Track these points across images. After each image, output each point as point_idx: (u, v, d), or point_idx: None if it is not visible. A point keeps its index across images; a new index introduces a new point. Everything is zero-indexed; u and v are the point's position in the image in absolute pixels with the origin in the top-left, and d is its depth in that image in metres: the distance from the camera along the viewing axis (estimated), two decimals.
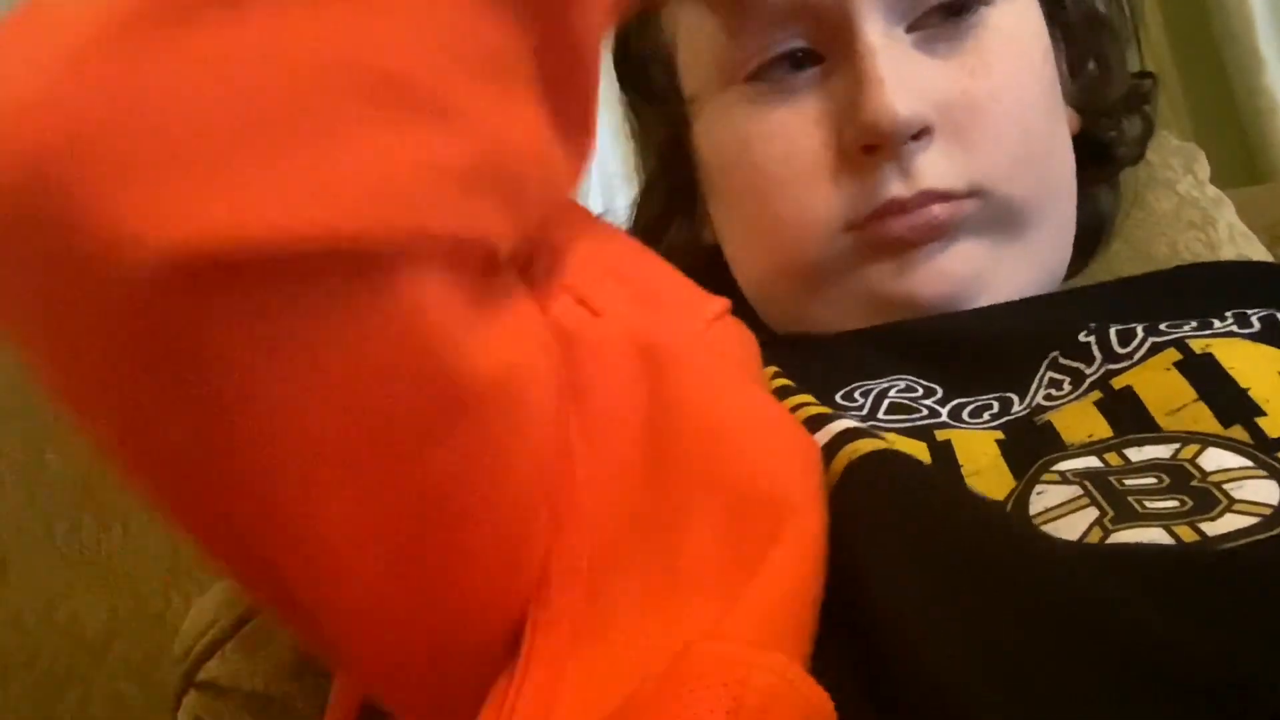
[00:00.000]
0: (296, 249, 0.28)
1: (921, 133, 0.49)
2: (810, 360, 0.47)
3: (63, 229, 0.28)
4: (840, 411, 0.43)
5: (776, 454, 0.37)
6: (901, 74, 0.48)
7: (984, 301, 0.51)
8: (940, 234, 0.50)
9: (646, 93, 0.61)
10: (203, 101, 0.28)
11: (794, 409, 0.42)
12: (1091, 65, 0.61)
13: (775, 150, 0.52)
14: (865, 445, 0.37)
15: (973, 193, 0.50)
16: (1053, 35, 0.56)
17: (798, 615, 0.32)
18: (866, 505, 0.35)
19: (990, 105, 0.51)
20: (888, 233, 0.50)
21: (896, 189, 0.49)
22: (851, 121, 0.49)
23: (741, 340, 0.46)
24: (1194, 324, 0.44)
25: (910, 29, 0.51)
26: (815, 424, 0.40)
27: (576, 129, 0.39)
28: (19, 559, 0.77)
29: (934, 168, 0.50)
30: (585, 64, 0.38)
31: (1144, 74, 0.66)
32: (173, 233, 0.27)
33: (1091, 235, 0.65)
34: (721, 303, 0.47)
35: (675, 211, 0.62)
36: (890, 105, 0.48)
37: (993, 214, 0.51)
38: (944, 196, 0.50)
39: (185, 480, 0.33)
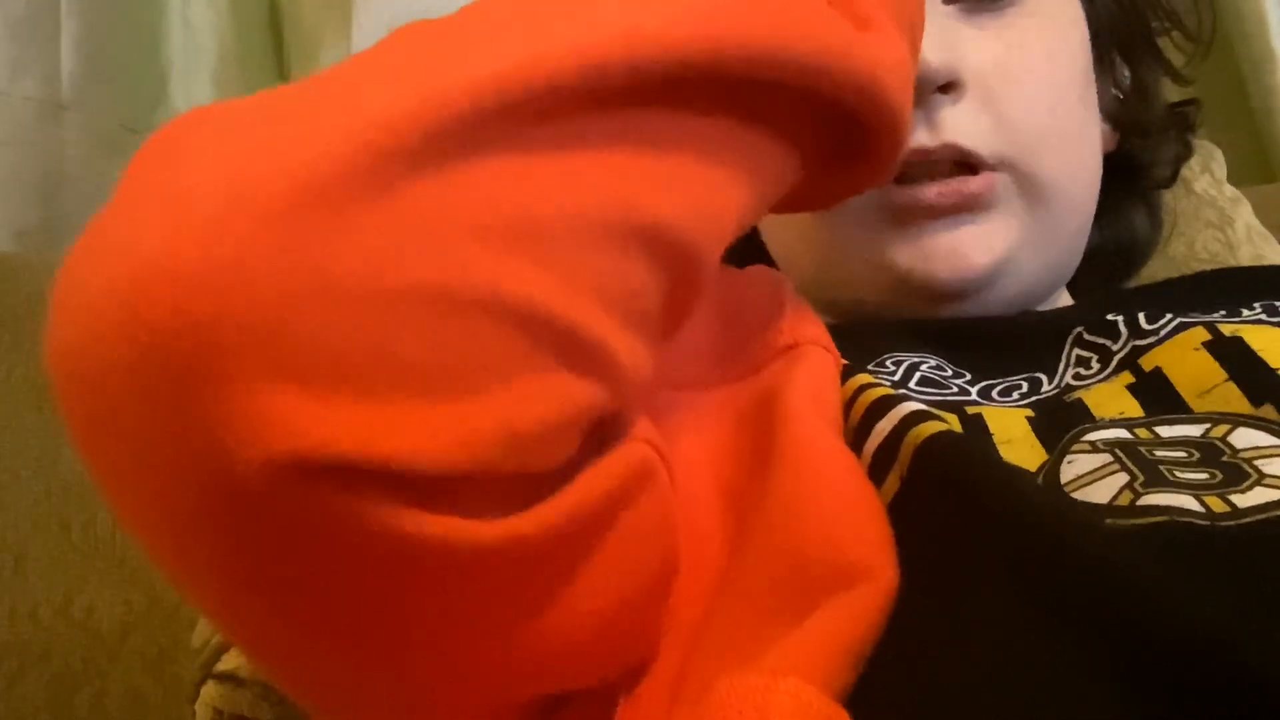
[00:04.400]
0: (418, 472, 0.27)
1: (950, 86, 0.50)
2: (843, 335, 0.47)
3: (177, 411, 0.25)
4: (899, 391, 0.42)
5: (849, 522, 0.36)
6: (935, 29, 0.48)
7: (1004, 287, 0.51)
8: (970, 206, 0.50)
9: None
10: (372, 319, 0.26)
11: (860, 389, 0.42)
12: (1129, 83, 0.62)
13: None
14: (928, 428, 0.37)
15: (998, 165, 0.50)
16: (1095, 50, 0.57)
17: (839, 658, 0.32)
18: (937, 494, 0.36)
19: (1023, 77, 0.52)
20: (920, 199, 0.49)
21: (922, 138, 0.49)
22: None
23: (818, 357, 0.44)
24: (1222, 313, 0.44)
25: (949, 0, 0.52)
26: (882, 407, 0.40)
27: (670, 332, 0.37)
28: (35, 553, 0.77)
29: (961, 124, 0.50)
30: (699, 297, 0.36)
31: (1189, 101, 0.67)
32: (291, 436, 0.25)
33: (1124, 257, 0.65)
34: (789, 298, 0.46)
35: None
36: (923, 53, 0.47)
37: (1019, 189, 0.51)
38: (968, 156, 0.50)
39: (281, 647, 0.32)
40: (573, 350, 0.29)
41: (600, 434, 0.33)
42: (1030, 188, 0.51)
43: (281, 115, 0.28)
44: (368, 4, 0.99)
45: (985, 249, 0.50)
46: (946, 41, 0.49)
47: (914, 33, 0.41)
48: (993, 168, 0.50)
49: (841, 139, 0.39)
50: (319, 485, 0.26)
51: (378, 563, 0.28)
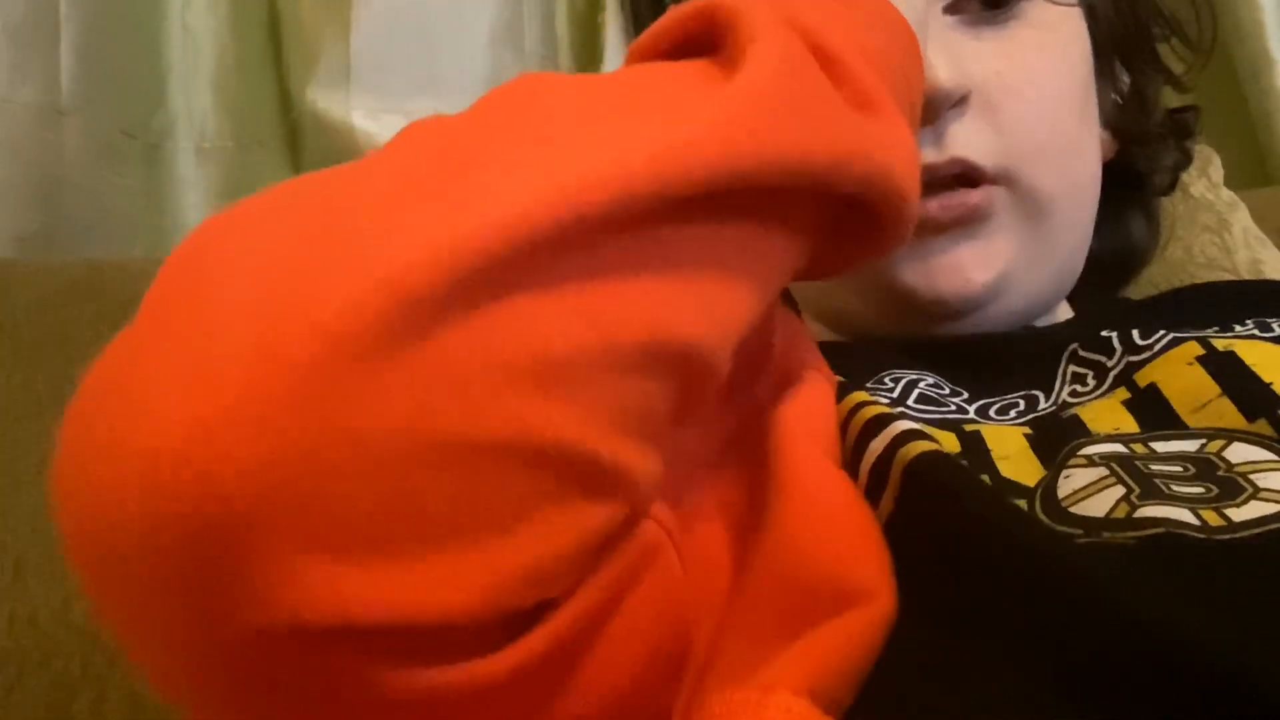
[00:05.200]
0: (445, 623, 0.27)
1: (959, 101, 0.50)
2: (841, 352, 0.47)
3: (205, 583, 0.25)
4: (896, 409, 0.42)
5: (845, 547, 0.36)
6: (941, 45, 0.48)
7: (1005, 302, 0.51)
8: (970, 220, 0.50)
9: None
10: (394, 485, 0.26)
11: (855, 408, 0.41)
12: (1129, 91, 0.62)
13: None
14: (915, 448, 0.37)
15: (999, 178, 0.50)
16: (1096, 58, 0.57)
17: (833, 676, 0.32)
18: (926, 514, 0.36)
19: (1023, 90, 0.52)
20: (922, 213, 0.48)
21: (929, 155, 0.49)
22: None
23: (812, 381, 0.44)
24: (1215, 328, 0.44)
25: (948, 11, 0.52)
26: (876, 426, 0.40)
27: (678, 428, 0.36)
28: (35, 558, 0.77)
29: (965, 137, 0.50)
30: (709, 400, 0.36)
31: (1188, 108, 0.67)
32: (327, 607, 0.25)
33: (1121, 264, 0.65)
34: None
35: None
36: (934, 73, 0.47)
37: (1018, 204, 0.51)
38: (972, 169, 0.50)
39: None
40: (593, 479, 0.29)
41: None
42: (1029, 203, 0.51)
43: (307, 253, 0.27)
44: (368, 6, 0.99)
45: (986, 266, 0.50)
46: (954, 58, 0.49)
47: (913, 112, 0.41)
48: (993, 180, 0.50)
49: (852, 222, 0.39)
50: (347, 646, 0.26)
51: (401, 704, 0.28)
